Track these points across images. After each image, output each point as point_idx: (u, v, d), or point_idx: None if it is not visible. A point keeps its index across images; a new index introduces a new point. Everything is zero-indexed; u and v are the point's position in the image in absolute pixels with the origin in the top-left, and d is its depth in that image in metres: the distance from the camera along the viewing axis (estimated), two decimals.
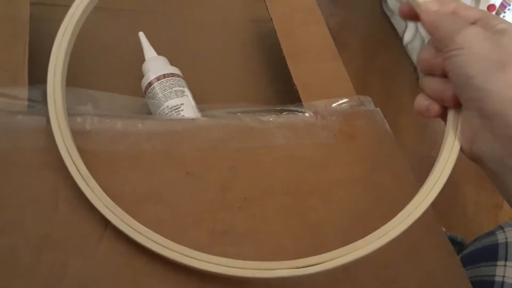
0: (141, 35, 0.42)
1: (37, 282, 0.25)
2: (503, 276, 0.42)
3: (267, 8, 0.47)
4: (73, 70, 0.31)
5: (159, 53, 0.41)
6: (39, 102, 0.32)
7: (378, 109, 0.43)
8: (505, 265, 0.43)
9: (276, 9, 0.47)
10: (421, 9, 0.32)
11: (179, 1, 0.51)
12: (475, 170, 1.04)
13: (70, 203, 0.28)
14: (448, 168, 0.30)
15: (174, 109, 0.38)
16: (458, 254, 0.50)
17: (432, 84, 0.32)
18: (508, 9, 1.08)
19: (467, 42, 0.29)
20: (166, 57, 0.41)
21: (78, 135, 0.31)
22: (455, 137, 0.31)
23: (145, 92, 0.40)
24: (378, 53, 1.23)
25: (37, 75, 0.33)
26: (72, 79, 0.31)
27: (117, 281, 0.27)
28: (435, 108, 0.32)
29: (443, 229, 0.78)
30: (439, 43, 0.31)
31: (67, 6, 0.33)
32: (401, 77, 1.18)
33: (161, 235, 0.29)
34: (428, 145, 1.05)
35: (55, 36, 0.32)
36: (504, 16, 1.09)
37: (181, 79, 0.40)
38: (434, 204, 0.37)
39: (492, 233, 0.48)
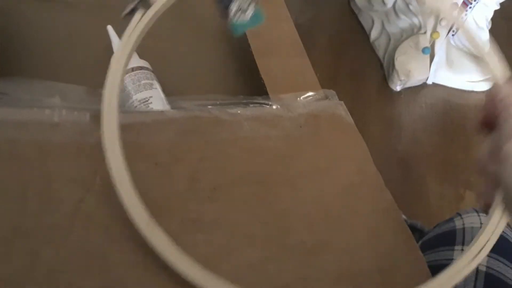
0: (110, 28, 0.42)
1: (9, 270, 0.25)
2: None
3: None
4: (41, 63, 0.31)
5: None
6: (6, 94, 0.32)
7: (342, 102, 0.44)
8: (462, 249, 0.45)
9: None
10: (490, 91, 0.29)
11: None
12: (439, 163, 1.08)
13: (39, 194, 0.29)
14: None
15: (143, 102, 0.38)
16: (418, 240, 0.53)
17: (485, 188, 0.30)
18: (470, 7, 1.11)
19: None
20: (135, 50, 0.42)
21: (46, 127, 0.31)
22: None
23: None
24: (346, 49, 1.25)
25: (4, 68, 0.33)
26: (40, 71, 0.32)
27: (88, 269, 0.27)
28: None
29: (403, 216, 0.81)
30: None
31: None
32: (369, 72, 1.21)
33: None
34: (394, 138, 1.08)
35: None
36: (466, 15, 1.12)
37: (150, 72, 0.41)
38: (399, 195, 0.39)
39: (451, 219, 0.50)
